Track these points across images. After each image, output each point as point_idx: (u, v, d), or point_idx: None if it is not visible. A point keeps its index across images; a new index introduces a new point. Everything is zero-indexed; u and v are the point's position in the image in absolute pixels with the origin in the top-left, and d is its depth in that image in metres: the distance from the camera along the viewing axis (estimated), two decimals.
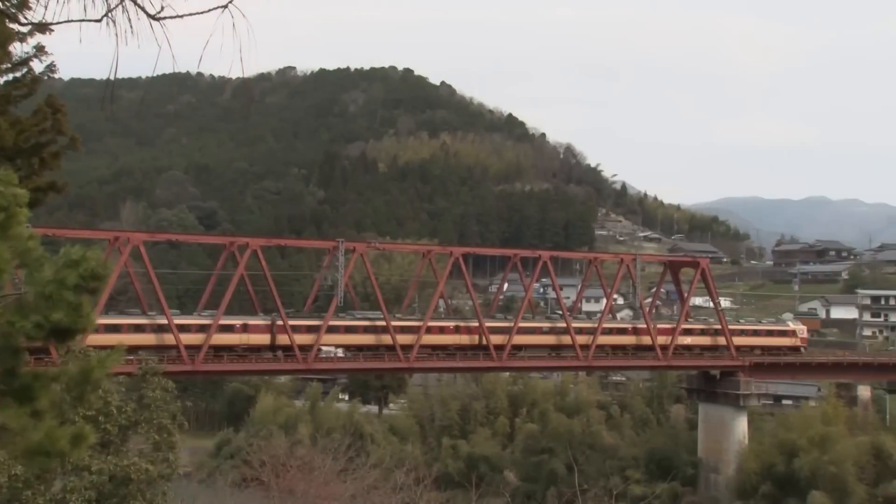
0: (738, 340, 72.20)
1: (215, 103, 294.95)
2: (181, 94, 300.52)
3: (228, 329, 55.39)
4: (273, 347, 57.12)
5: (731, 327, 73.71)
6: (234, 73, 7.08)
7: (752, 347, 72.92)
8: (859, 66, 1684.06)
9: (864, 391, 75.03)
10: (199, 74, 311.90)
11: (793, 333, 74.76)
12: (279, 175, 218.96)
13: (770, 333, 74.79)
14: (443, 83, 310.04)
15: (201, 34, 6.32)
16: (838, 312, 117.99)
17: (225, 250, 61.05)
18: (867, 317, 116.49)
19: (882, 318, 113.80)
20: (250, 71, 6.69)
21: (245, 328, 55.92)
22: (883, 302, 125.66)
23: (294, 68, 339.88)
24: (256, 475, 43.09)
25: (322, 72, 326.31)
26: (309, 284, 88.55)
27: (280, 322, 56.79)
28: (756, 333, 74.40)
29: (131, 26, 6.26)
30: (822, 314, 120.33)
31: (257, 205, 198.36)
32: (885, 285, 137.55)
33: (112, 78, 6.66)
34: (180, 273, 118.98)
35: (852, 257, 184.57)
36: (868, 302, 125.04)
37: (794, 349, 73.36)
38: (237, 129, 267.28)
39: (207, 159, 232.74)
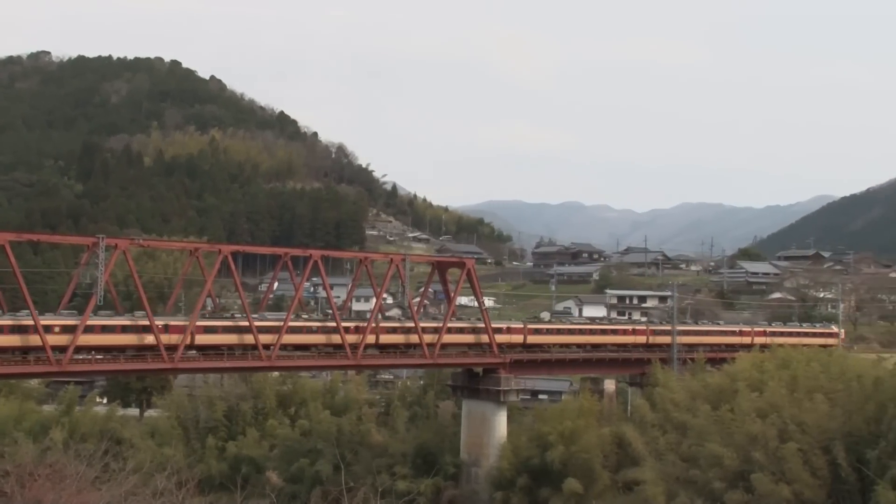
0: (794, 340, 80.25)
1: None
2: None
3: None
4: None
5: (785, 329, 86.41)
6: None
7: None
8: (609, 79, 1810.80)
9: (609, 385, 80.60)
10: None
11: (836, 335, 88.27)
12: (32, 166, 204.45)
13: (822, 335, 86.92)
14: (212, 77, 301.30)
15: None
16: (590, 311, 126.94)
17: None
18: (615, 314, 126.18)
19: (626, 316, 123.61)
20: None
21: None
22: (628, 301, 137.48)
23: (49, 53, 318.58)
24: None
25: (81, 59, 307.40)
26: (65, 282, 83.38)
27: None
28: (808, 335, 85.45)
29: None
30: (576, 312, 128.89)
31: (6, 197, 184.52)
32: (630, 285, 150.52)
33: None
34: None
35: (602, 259, 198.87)
36: (615, 301, 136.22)
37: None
38: None
39: None
